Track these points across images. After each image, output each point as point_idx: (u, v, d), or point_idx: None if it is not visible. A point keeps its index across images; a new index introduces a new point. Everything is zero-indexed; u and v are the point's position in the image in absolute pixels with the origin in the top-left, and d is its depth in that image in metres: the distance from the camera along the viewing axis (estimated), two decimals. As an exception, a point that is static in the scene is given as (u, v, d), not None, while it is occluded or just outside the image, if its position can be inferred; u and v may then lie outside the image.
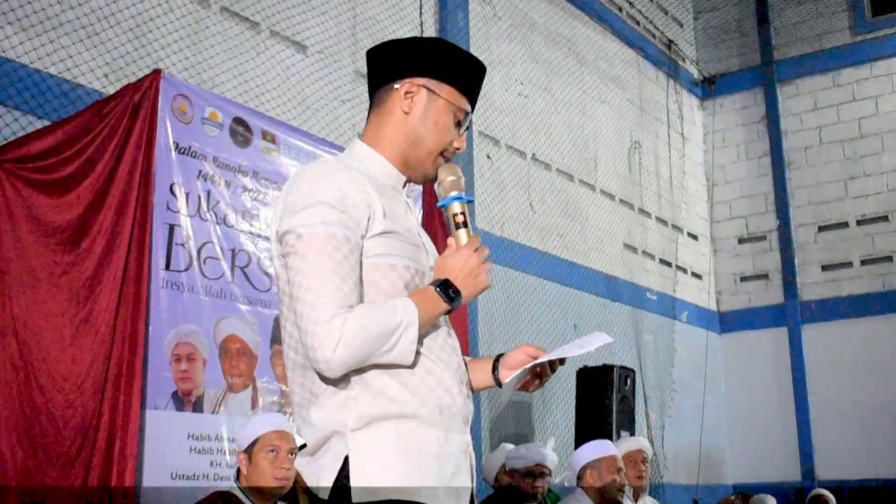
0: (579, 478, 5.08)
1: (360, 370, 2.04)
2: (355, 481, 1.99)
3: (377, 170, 2.24)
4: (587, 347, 2.31)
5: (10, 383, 3.84)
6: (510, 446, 6.04)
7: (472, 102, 2.31)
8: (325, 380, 2.07)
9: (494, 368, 2.34)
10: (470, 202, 2.24)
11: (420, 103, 2.24)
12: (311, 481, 2.09)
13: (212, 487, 4.40)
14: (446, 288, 2.12)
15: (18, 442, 3.81)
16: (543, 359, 2.26)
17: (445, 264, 2.16)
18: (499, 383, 2.33)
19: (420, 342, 2.10)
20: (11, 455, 3.74)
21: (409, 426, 2.06)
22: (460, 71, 2.27)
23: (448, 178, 2.23)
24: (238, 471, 4.08)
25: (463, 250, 2.17)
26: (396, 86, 2.24)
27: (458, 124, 2.27)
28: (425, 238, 2.30)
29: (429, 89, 2.24)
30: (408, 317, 2.04)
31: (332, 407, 2.06)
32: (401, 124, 2.25)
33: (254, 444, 3.93)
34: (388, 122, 2.26)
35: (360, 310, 2.01)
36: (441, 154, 2.26)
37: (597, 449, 5.18)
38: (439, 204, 2.25)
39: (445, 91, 2.24)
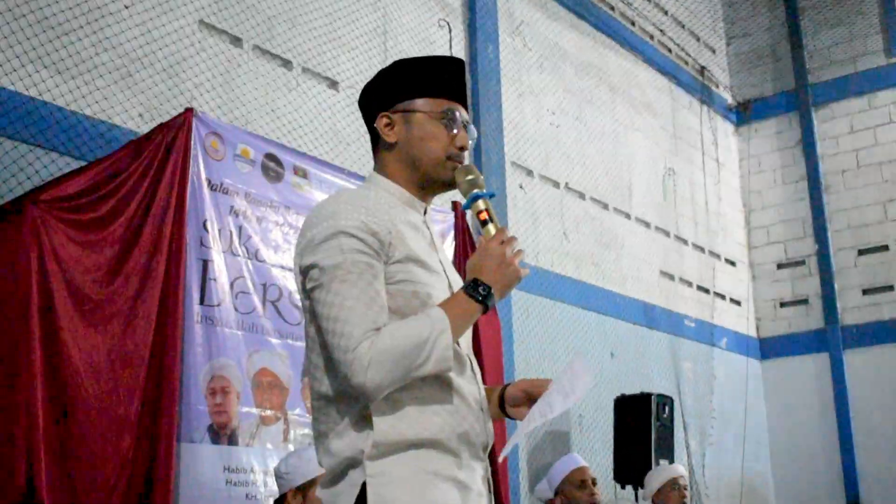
0: None
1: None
2: None
3: (395, 197, 2.28)
4: (571, 398, 2.25)
5: (50, 417, 3.91)
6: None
7: (457, 97, 2.33)
8: (346, 409, 2.10)
9: (501, 400, 2.36)
10: (492, 196, 2.27)
11: (401, 129, 2.29)
12: (329, 509, 2.12)
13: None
14: (475, 287, 2.13)
15: (57, 477, 3.86)
16: (530, 427, 2.23)
17: (473, 264, 2.18)
18: (506, 414, 2.34)
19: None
20: (49, 490, 3.80)
21: (426, 452, 2.08)
22: (423, 79, 2.31)
23: (465, 178, 2.26)
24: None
25: (489, 244, 2.17)
26: (375, 125, 2.31)
27: (452, 122, 2.29)
28: (447, 266, 2.33)
29: (402, 112, 2.29)
30: (438, 325, 2.06)
31: (350, 435, 2.09)
32: (396, 154, 2.30)
33: (312, 482, 3.91)
34: (387, 155, 2.32)
35: (387, 330, 2.04)
36: (449, 159, 2.29)
37: (557, 472, 5.18)
38: (463, 207, 2.28)
39: (418, 105, 2.29)
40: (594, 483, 5.09)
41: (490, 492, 2.24)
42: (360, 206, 2.13)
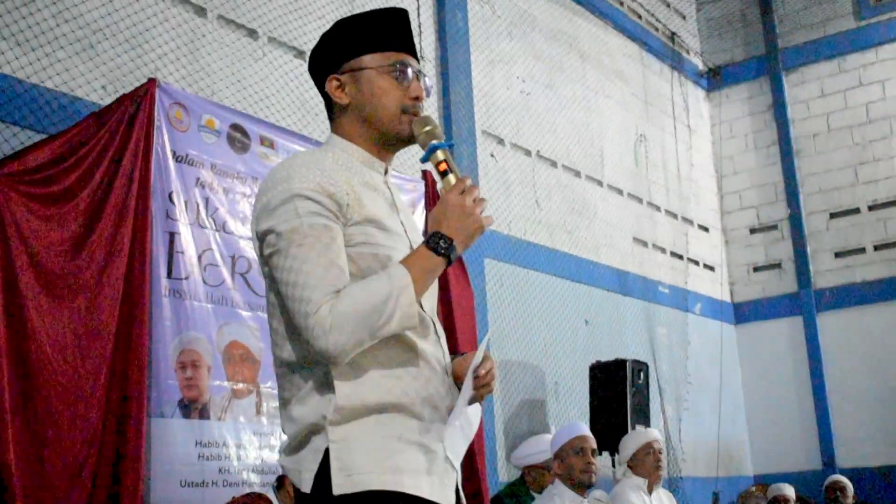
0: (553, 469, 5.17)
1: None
2: (336, 473, 1.98)
3: (354, 157, 2.23)
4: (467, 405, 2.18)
5: (16, 394, 3.86)
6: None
7: (405, 48, 2.28)
8: (308, 375, 2.06)
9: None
10: (450, 146, 2.21)
11: (352, 89, 2.24)
12: (292, 476, 2.08)
13: (221, 495, 4.42)
14: (436, 239, 2.07)
15: (25, 454, 3.82)
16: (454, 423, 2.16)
17: (434, 215, 2.12)
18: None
19: (405, 334, 2.08)
20: (18, 466, 3.75)
21: (390, 416, 2.04)
22: (367, 34, 2.26)
23: (423, 130, 2.20)
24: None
25: (448, 195, 2.11)
26: (326, 89, 2.26)
27: (403, 75, 2.24)
28: (409, 227, 2.28)
29: (350, 71, 2.24)
30: (398, 282, 2.00)
31: (312, 401, 2.05)
32: (350, 115, 2.25)
33: None
34: (343, 117, 2.27)
35: (346, 291, 1.99)
36: (404, 112, 2.23)
37: (560, 437, 5.22)
38: (421, 159, 2.22)
39: (365, 61, 2.23)
40: (594, 454, 5.11)
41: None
42: (315, 168, 2.08)
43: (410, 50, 2.29)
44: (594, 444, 5.18)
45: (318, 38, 6.35)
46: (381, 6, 6.80)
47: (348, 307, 1.96)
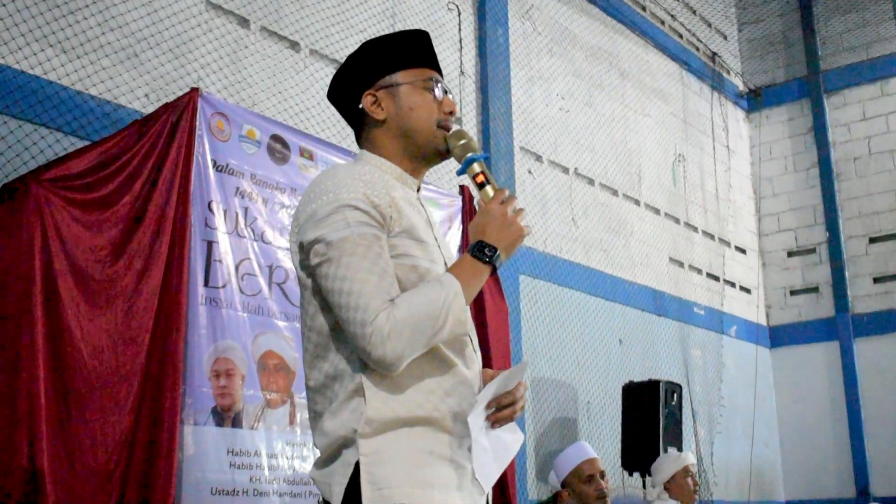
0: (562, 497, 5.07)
1: (373, 375, 2.03)
2: (366, 486, 1.98)
3: (388, 174, 2.25)
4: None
5: (52, 399, 3.88)
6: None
7: (434, 65, 2.34)
8: (340, 388, 2.07)
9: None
10: (486, 159, 2.25)
11: (388, 104, 2.27)
12: (322, 490, 2.08)
13: None
14: (481, 248, 2.12)
15: (58, 458, 3.84)
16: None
17: (476, 225, 2.17)
18: None
19: (440, 348, 2.09)
20: (51, 471, 3.77)
21: (421, 430, 2.04)
22: (399, 53, 2.30)
23: (458, 143, 2.25)
24: None
25: (489, 205, 2.17)
26: (361, 106, 2.28)
27: (436, 90, 2.29)
28: (442, 244, 2.30)
29: (385, 87, 2.27)
30: (451, 289, 2.04)
31: (343, 414, 2.06)
32: (386, 130, 2.28)
33: None
34: (377, 133, 2.30)
35: (401, 300, 2.01)
36: (439, 127, 2.28)
37: (565, 464, 5.09)
38: (458, 172, 2.26)
39: (400, 77, 2.28)
40: (602, 476, 4.99)
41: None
42: (359, 180, 2.11)
43: (437, 68, 2.35)
44: (601, 466, 5.04)
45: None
46: (420, 22, 6.82)
47: (406, 314, 1.98)
